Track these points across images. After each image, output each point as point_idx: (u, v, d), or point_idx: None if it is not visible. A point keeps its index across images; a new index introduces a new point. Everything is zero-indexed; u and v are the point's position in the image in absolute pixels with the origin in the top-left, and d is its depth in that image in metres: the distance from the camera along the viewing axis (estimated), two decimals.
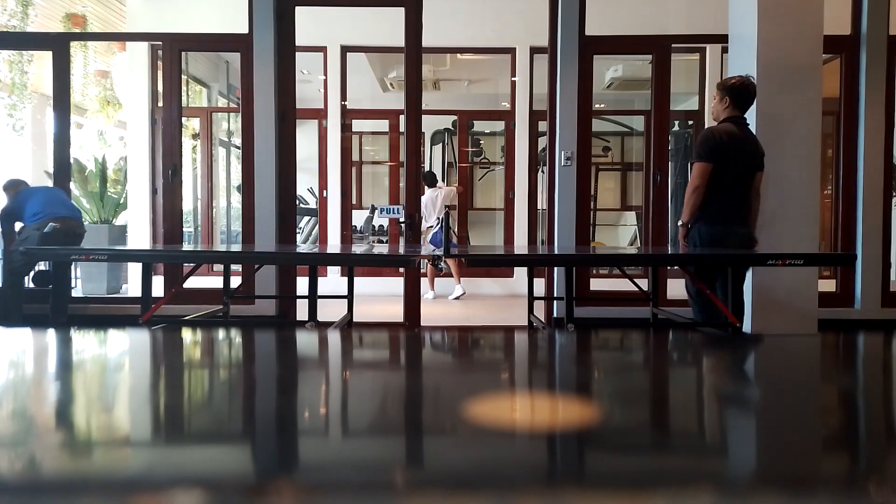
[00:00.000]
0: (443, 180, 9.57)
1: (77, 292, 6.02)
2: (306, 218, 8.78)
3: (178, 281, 4.42)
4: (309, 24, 6.01)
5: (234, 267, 4.54)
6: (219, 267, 4.74)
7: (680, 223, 3.45)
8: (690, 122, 7.32)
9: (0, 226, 4.88)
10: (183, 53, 5.11)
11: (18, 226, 4.87)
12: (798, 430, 0.44)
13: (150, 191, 6.06)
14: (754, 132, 3.93)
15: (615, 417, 0.48)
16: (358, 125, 8.53)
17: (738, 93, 3.40)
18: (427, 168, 9.13)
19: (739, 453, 0.42)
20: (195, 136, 8.08)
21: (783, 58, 3.91)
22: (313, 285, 3.08)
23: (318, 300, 3.12)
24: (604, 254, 4.26)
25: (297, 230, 6.23)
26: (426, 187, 7.22)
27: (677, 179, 7.56)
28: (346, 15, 7.10)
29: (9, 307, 4.72)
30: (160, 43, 5.03)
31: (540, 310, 4.81)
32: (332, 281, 6.70)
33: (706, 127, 3.44)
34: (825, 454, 0.42)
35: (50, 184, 5.33)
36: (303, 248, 4.95)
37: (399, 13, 4.63)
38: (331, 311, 3.90)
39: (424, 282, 7.21)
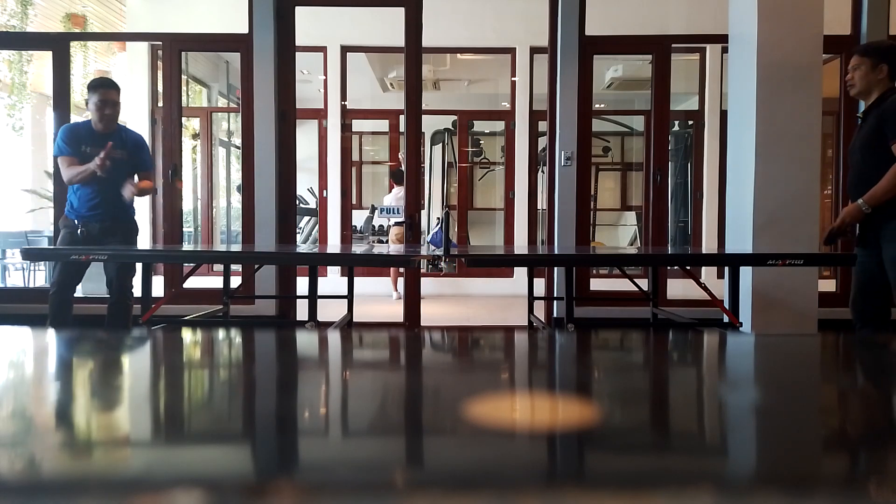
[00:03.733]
0: (443, 180, 9.58)
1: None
2: (306, 218, 8.79)
3: (178, 281, 4.42)
4: (309, 24, 6.01)
5: (234, 267, 4.54)
6: (219, 267, 4.73)
7: (867, 206, 3.01)
8: (690, 122, 7.32)
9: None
10: (183, 53, 5.11)
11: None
12: (798, 430, 0.44)
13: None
14: (753, 132, 3.94)
15: (615, 417, 0.48)
16: (358, 125, 8.54)
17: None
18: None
19: (739, 453, 0.42)
20: (195, 136, 8.09)
21: (783, 58, 3.91)
22: (313, 285, 3.08)
23: (318, 300, 3.12)
24: (604, 254, 4.25)
25: (297, 230, 6.22)
26: (395, 185, 6.93)
27: (677, 179, 7.56)
28: (346, 15, 7.11)
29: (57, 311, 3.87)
30: (160, 43, 5.03)
31: (540, 310, 4.81)
32: (332, 281, 6.70)
33: None
34: (825, 454, 0.42)
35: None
36: (303, 248, 4.95)
37: (399, 13, 4.63)
38: (331, 311, 3.90)
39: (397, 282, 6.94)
